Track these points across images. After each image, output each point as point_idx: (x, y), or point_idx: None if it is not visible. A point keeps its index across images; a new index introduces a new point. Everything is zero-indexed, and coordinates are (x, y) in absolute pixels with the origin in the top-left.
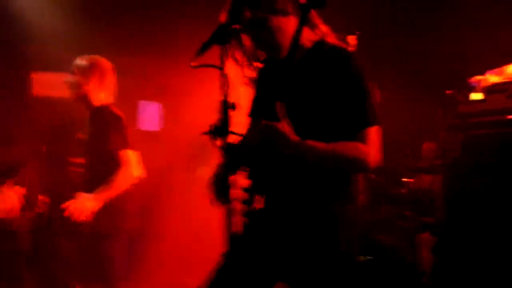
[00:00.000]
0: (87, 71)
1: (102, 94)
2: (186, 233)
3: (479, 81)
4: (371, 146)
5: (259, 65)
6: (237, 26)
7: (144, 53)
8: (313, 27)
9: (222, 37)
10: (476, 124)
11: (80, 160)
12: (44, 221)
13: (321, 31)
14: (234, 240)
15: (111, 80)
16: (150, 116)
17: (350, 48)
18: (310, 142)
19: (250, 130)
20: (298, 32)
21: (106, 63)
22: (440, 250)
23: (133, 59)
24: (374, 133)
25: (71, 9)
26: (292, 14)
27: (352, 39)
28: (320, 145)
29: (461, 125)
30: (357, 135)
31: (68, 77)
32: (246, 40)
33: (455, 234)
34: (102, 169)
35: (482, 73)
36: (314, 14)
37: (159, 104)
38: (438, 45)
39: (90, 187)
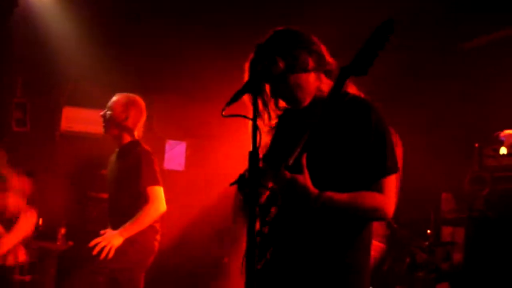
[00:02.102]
0: (126, 108)
1: (135, 131)
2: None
3: (508, 135)
4: (389, 195)
5: (279, 112)
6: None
7: (173, 92)
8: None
9: (255, 87)
10: (502, 179)
11: (101, 195)
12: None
13: None
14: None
15: (144, 118)
16: (176, 155)
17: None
18: (329, 194)
19: (269, 177)
20: (333, 95)
21: (142, 102)
22: None
23: (162, 98)
24: (392, 181)
25: (105, 48)
26: (313, 71)
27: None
28: (338, 196)
29: (486, 178)
30: (376, 183)
31: (104, 112)
32: (267, 89)
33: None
34: (128, 205)
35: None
36: (335, 67)
37: (185, 144)
38: (466, 96)
39: (115, 222)
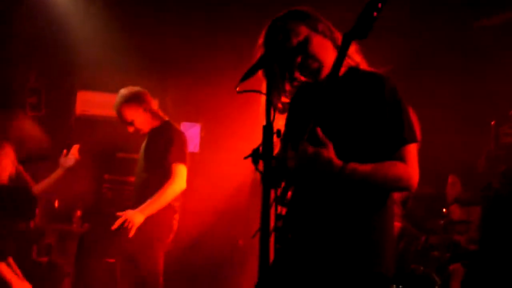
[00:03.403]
0: (130, 110)
1: (153, 113)
2: (218, 252)
3: None
4: (412, 164)
5: (292, 90)
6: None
7: (187, 74)
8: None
9: (268, 63)
10: None
11: (116, 177)
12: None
13: (354, 60)
14: (267, 268)
15: (147, 99)
16: (191, 137)
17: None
18: (353, 165)
19: (286, 153)
20: (339, 60)
21: (136, 92)
22: (471, 282)
23: (177, 80)
24: (413, 150)
25: (119, 32)
26: (329, 39)
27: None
28: (362, 167)
29: (502, 156)
30: (397, 153)
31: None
32: (276, 67)
33: (488, 267)
34: (154, 182)
35: None
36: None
37: (200, 126)
38: (482, 74)
39: (139, 201)
